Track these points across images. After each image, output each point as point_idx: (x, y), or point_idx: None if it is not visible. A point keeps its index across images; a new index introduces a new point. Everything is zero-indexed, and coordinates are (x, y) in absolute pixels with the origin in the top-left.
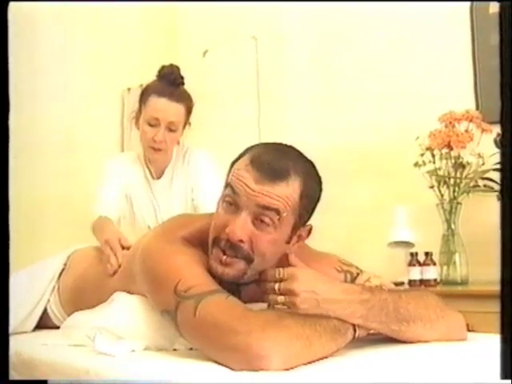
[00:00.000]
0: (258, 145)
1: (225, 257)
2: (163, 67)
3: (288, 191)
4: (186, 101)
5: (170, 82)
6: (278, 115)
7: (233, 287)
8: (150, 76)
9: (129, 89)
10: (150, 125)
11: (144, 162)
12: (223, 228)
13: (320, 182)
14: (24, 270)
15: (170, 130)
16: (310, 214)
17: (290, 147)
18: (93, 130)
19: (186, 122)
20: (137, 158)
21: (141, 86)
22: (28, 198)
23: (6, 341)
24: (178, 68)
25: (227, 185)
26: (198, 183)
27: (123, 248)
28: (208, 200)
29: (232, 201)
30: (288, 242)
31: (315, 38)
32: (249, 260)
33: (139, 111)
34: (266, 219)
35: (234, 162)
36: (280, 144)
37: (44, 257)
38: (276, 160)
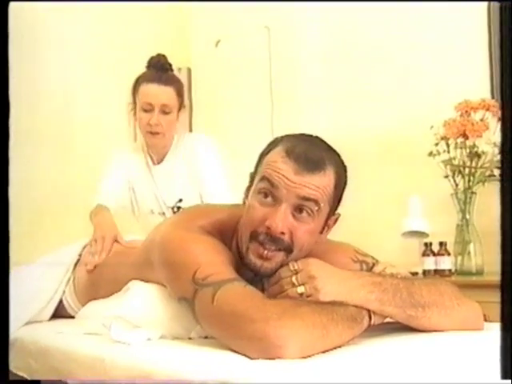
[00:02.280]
0: (286, 136)
1: (266, 251)
2: (151, 57)
3: (325, 181)
4: (176, 83)
5: (157, 68)
6: (291, 105)
7: (256, 278)
8: None
9: None
10: (145, 110)
11: (146, 149)
12: (262, 221)
13: (346, 171)
14: (39, 261)
15: (164, 113)
16: (339, 202)
17: (317, 138)
18: (104, 120)
19: (180, 105)
20: (140, 146)
21: None
22: (29, 191)
23: (6, 341)
24: (164, 56)
25: (262, 178)
26: (202, 171)
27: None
28: (213, 188)
29: (269, 193)
30: (321, 232)
31: (328, 28)
32: (289, 251)
33: (134, 102)
34: (306, 210)
35: (262, 155)
36: (308, 135)
37: (45, 250)
38: (311, 151)
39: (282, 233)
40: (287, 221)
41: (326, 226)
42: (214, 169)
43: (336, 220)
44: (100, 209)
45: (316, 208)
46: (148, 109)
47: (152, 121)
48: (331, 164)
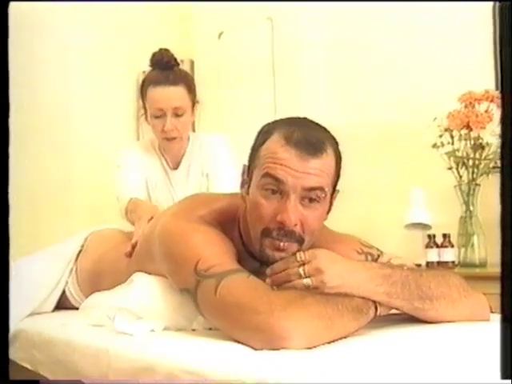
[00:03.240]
0: (276, 123)
1: (282, 243)
2: (153, 54)
3: (328, 161)
4: (185, 80)
5: (162, 66)
6: (294, 96)
7: (263, 267)
8: None
9: (144, 72)
10: (157, 117)
11: (160, 152)
12: (273, 217)
13: (338, 145)
14: (42, 252)
15: (178, 116)
16: (338, 178)
17: (306, 118)
18: (105, 115)
19: (194, 102)
20: (151, 146)
21: None
22: (29, 186)
23: (6, 341)
24: (167, 50)
25: (265, 174)
26: (213, 169)
27: None
28: (223, 186)
29: (276, 188)
30: (327, 212)
31: (331, 18)
32: (301, 241)
33: (144, 107)
34: (313, 198)
35: (257, 146)
36: (295, 118)
37: (44, 243)
38: (309, 133)
39: (295, 225)
40: (298, 212)
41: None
42: (227, 171)
43: (336, 195)
44: (135, 202)
45: (323, 195)
46: (160, 115)
47: (166, 127)
48: (329, 142)
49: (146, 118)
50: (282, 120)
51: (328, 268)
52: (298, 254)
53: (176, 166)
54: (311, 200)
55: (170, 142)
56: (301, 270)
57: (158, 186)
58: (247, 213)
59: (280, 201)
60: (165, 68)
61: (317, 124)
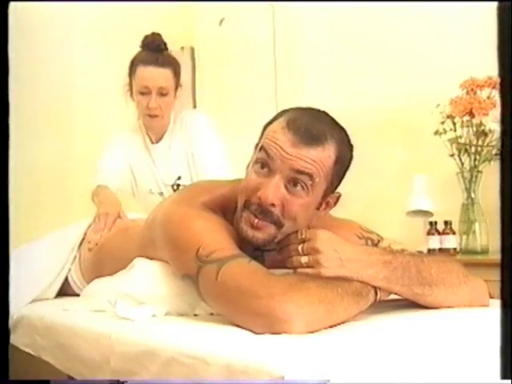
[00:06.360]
0: (293, 108)
1: (256, 220)
2: (145, 37)
3: (323, 156)
4: (172, 64)
5: (153, 49)
6: (295, 83)
7: (257, 253)
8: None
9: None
10: (142, 93)
11: (144, 129)
12: (255, 191)
13: (351, 150)
14: (44, 239)
15: (162, 95)
16: (340, 180)
17: (324, 112)
18: (103, 101)
19: (177, 85)
20: (137, 126)
21: None
22: (30, 171)
23: (6, 340)
24: (159, 35)
25: (260, 148)
26: (198, 148)
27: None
28: (209, 164)
29: (265, 163)
30: (318, 208)
31: (333, 4)
32: (279, 225)
33: (130, 83)
34: (299, 183)
35: (267, 125)
36: (314, 109)
37: (45, 229)
38: (313, 124)
39: (273, 204)
40: (279, 192)
41: (325, 203)
42: (209, 143)
43: (337, 199)
44: (101, 188)
45: (310, 182)
46: (145, 92)
47: (151, 104)
48: (333, 139)
49: (131, 94)
50: (300, 108)
51: (325, 249)
52: (299, 231)
53: (158, 141)
54: (296, 184)
55: (152, 118)
56: (299, 247)
57: (139, 161)
58: None
59: (266, 177)
60: (155, 50)
61: (332, 120)
